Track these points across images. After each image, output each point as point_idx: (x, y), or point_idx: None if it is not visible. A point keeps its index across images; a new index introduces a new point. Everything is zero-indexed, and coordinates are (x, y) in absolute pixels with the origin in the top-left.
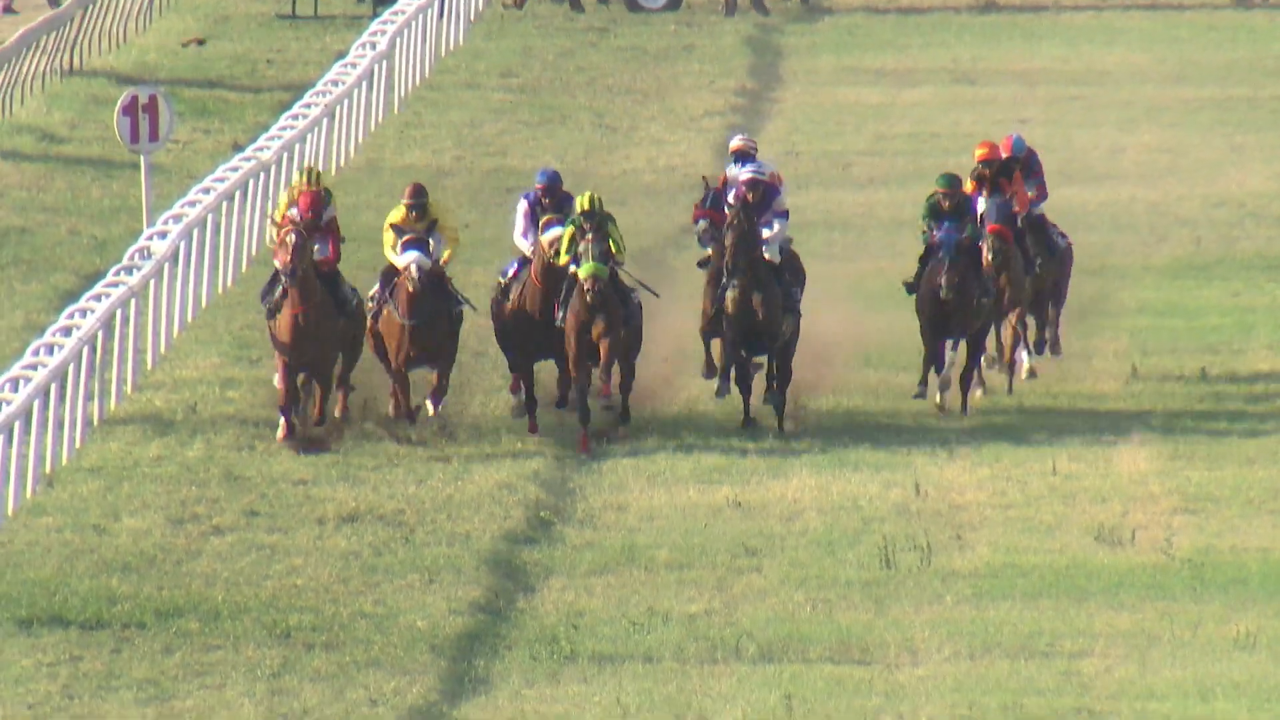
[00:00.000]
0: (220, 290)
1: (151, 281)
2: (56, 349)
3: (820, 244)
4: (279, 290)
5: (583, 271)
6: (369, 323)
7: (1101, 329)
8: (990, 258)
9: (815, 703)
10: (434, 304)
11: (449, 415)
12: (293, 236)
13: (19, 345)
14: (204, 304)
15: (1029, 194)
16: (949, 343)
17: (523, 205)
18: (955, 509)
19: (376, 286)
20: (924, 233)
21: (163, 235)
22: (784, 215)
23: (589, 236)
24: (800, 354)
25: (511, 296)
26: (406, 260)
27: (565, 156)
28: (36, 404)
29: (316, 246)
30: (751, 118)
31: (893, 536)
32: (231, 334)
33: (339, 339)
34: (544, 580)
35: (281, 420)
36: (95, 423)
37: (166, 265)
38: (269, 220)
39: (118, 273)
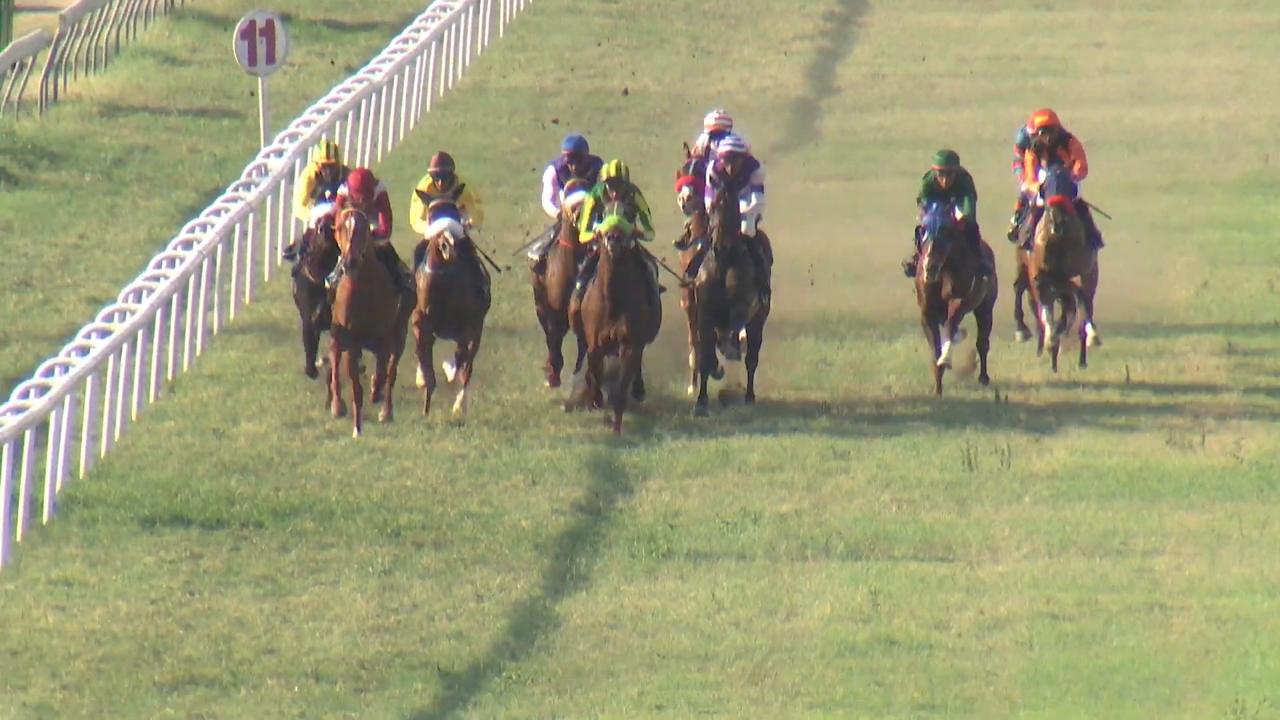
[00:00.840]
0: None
1: (268, 197)
2: (178, 261)
3: (905, 161)
4: (336, 270)
5: (604, 225)
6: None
7: (1173, 242)
8: (1053, 231)
9: (900, 598)
10: (461, 268)
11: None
12: (352, 221)
13: (142, 258)
14: None
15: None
16: (944, 328)
17: (550, 172)
18: (1034, 414)
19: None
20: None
21: (279, 153)
22: (760, 189)
23: (613, 194)
24: (885, 267)
25: (549, 267)
26: (438, 228)
27: (662, 78)
28: (159, 314)
29: (371, 227)
30: (839, 41)
31: (974, 440)
32: None
33: (396, 315)
34: (642, 482)
35: (333, 400)
36: (215, 331)
37: (282, 182)
38: (299, 198)
39: (236, 189)
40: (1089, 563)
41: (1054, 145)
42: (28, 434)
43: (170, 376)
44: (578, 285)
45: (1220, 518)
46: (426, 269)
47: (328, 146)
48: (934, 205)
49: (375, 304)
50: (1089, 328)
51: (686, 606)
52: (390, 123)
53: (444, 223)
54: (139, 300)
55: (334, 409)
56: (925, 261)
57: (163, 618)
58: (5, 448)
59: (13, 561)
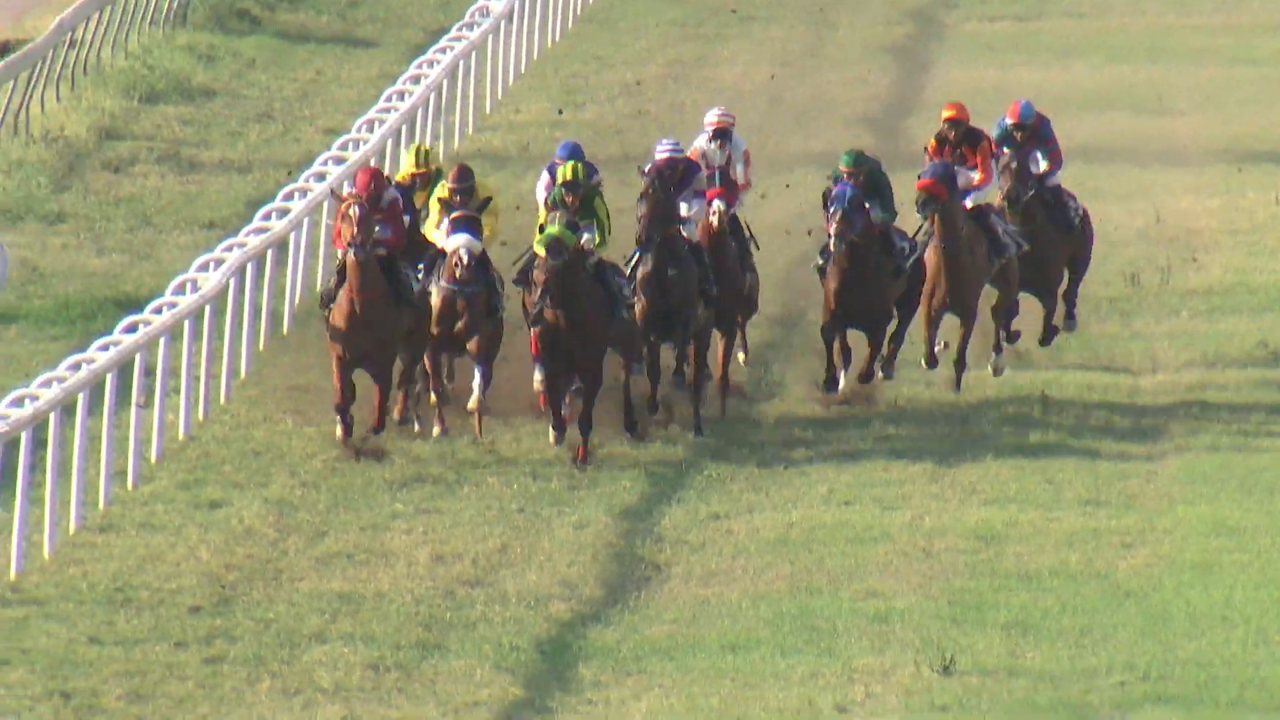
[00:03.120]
0: (549, 44)
1: (489, 36)
2: (406, 95)
3: (1072, 3)
4: (333, 277)
5: (544, 236)
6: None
7: None
8: (917, 209)
9: (1068, 404)
10: (477, 285)
11: None
12: (356, 209)
13: (374, 92)
14: (535, 55)
15: (1043, 166)
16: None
17: (544, 178)
18: (1191, 234)
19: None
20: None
21: None
22: (702, 194)
23: (569, 199)
24: (1057, 99)
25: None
26: (455, 244)
27: None
28: (389, 143)
29: (378, 229)
30: None
31: (1136, 259)
32: (560, 81)
33: (399, 331)
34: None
35: (338, 421)
36: (441, 159)
37: (503, 22)
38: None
39: (460, 29)
40: (1242, 371)
41: (959, 142)
42: (269, 253)
43: None
44: (534, 304)
45: None
46: (442, 282)
47: (418, 152)
48: (845, 182)
49: (375, 318)
50: (994, 355)
51: (872, 411)
52: None
53: (461, 239)
54: (371, 131)
55: (339, 433)
56: (834, 228)
57: (393, 421)
58: (249, 265)
59: (255, 369)
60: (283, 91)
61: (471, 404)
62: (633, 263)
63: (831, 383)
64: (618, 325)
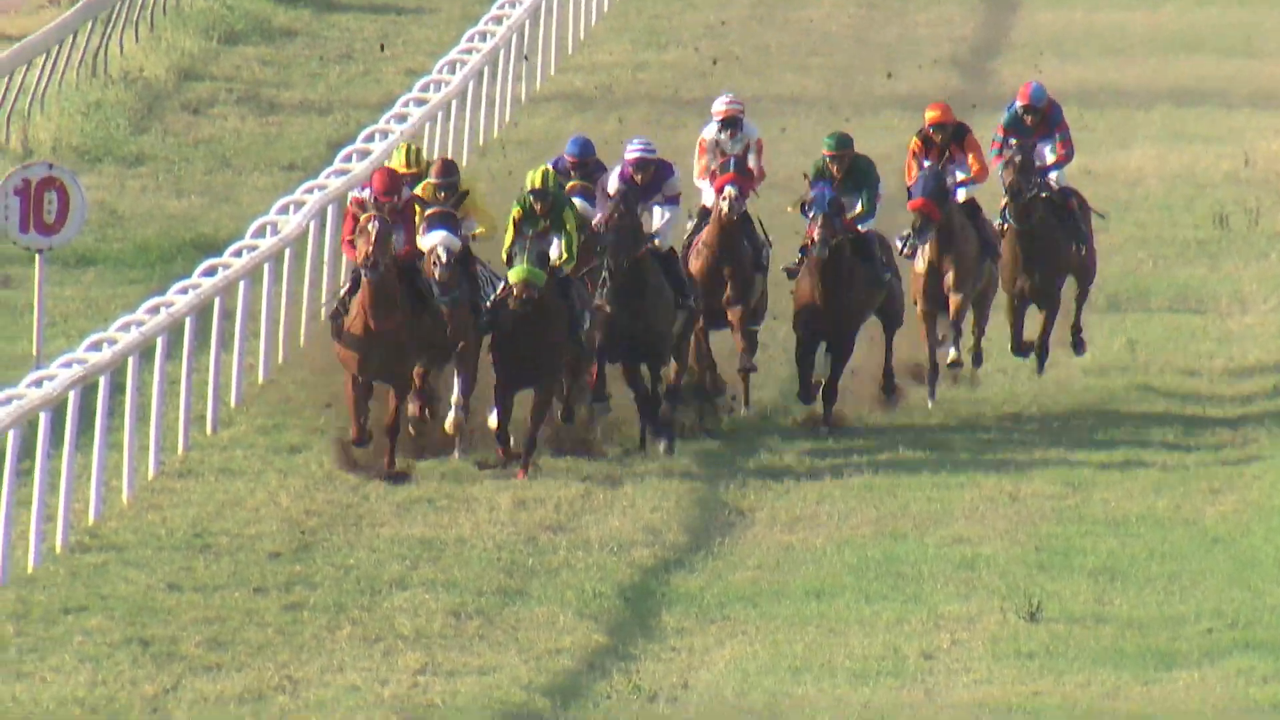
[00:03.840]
0: None
1: None
2: (490, 36)
3: None
4: (346, 287)
5: (513, 275)
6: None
7: None
8: (913, 234)
9: (1155, 347)
10: (461, 288)
11: None
12: (375, 224)
13: (455, 34)
14: None
15: (1053, 156)
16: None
17: (558, 161)
18: None
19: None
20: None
21: None
22: (675, 200)
23: (529, 235)
24: (1142, 40)
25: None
26: (432, 241)
27: None
28: (471, 85)
29: (395, 236)
30: None
31: (1224, 201)
32: (644, 23)
33: (417, 342)
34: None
35: (353, 429)
36: (523, 100)
37: None
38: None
39: None
40: None
41: (945, 144)
42: (350, 194)
43: (481, 142)
44: (485, 317)
45: None
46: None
47: (408, 151)
48: (821, 182)
49: (391, 328)
50: (951, 350)
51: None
52: None
53: (438, 236)
54: (453, 72)
55: (352, 433)
56: (817, 233)
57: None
58: (329, 208)
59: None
60: (363, 32)
61: (449, 425)
62: (599, 286)
63: (805, 393)
64: (573, 345)
